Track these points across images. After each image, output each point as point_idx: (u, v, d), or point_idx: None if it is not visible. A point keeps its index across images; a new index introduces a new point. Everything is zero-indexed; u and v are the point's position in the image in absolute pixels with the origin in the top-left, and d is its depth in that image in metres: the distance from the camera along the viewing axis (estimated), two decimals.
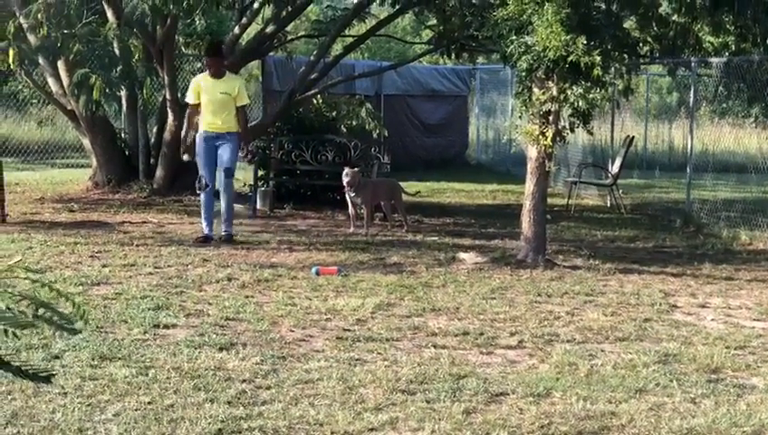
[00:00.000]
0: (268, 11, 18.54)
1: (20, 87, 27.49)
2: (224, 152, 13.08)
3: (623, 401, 6.71)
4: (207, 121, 13.14)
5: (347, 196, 14.51)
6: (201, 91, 13.19)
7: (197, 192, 13.43)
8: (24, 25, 15.69)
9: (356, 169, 14.64)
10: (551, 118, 11.47)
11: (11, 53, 15.60)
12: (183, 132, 13.89)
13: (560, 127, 11.56)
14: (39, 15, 15.37)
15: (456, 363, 7.53)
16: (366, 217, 14.41)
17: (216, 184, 13.17)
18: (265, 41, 18.97)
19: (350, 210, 14.67)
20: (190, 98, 13.41)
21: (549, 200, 12.97)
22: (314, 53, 19.08)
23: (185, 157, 13.81)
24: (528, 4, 11.06)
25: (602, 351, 8.11)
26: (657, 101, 40.65)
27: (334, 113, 18.13)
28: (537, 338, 8.43)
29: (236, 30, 18.24)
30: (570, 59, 10.69)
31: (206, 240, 12.88)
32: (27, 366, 2.30)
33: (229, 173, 13.16)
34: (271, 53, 21.72)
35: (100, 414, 6.07)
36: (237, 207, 16.15)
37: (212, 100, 13.11)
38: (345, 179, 14.22)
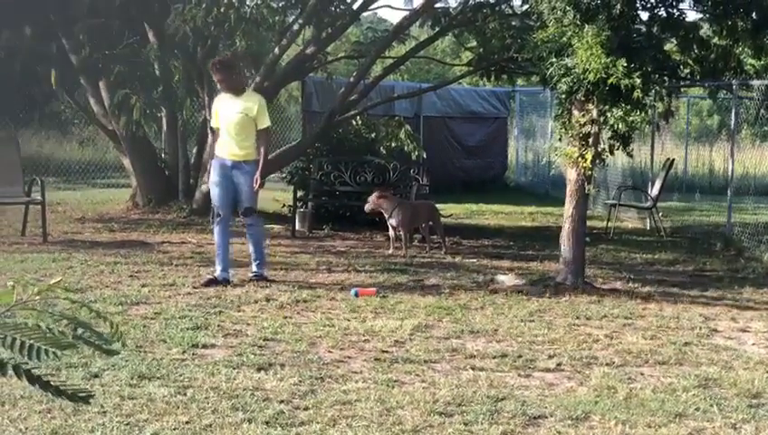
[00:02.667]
0: (308, 32, 18.62)
1: (62, 107, 27.69)
2: (242, 187, 11.45)
3: (662, 426, 6.66)
4: (223, 147, 11.57)
5: (387, 220, 14.52)
6: (216, 112, 11.74)
7: (211, 225, 12.21)
8: (67, 47, 15.84)
9: (388, 192, 14.70)
10: (590, 140, 11.43)
11: (53, 73, 15.77)
12: (209, 161, 12.06)
13: (599, 149, 11.51)
14: (81, 36, 15.52)
15: (494, 386, 7.50)
16: (404, 239, 14.35)
17: (230, 216, 11.62)
18: (305, 62, 19.03)
19: (390, 232, 14.66)
20: (213, 122, 11.89)
21: (588, 223, 12.92)
22: (354, 74, 19.12)
23: (205, 187, 12.60)
24: (568, 26, 11.05)
25: (641, 374, 8.06)
26: (698, 123, 40.49)
27: (373, 135, 18.15)
28: (576, 361, 8.38)
29: (276, 51, 18.29)
30: (610, 81, 10.65)
31: (210, 284, 11.17)
32: (66, 386, 2.31)
33: (250, 212, 11.57)
34: (311, 74, 21.78)
35: (139, 433, 6.09)
36: (277, 227, 16.23)
37: (228, 121, 11.50)
38: (367, 206, 14.52)
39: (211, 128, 12.55)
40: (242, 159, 11.44)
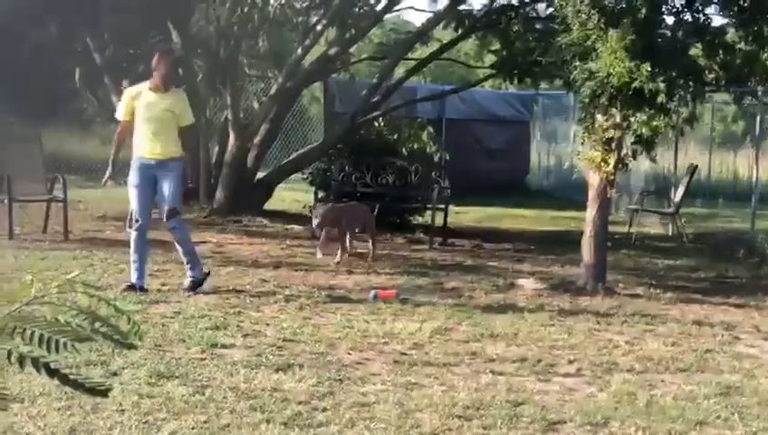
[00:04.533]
0: (332, 33, 18.62)
1: (85, 105, 27.78)
2: (165, 186, 10.75)
3: (683, 433, 6.62)
4: (144, 146, 10.79)
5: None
6: (137, 107, 10.82)
7: (127, 230, 11.18)
8: (91, 45, 15.89)
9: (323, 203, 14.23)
10: (613, 145, 11.39)
11: (77, 71, 15.81)
12: (112, 154, 11.18)
13: (622, 154, 11.48)
14: (105, 35, 15.57)
15: (513, 390, 7.46)
16: (341, 243, 13.60)
17: (149, 222, 10.91)
18: (328, 62, 19.03)
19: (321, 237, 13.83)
20: (121, 113, 11.04)
21: (610, 228, 12.86)
22: (377, 75, 19.13)
23: (108, 183, 11.35)
24: (592, 30, 11.02)
25: (662, 381, 8.01)
26: (722, 129, 40.35)
27: (395, 136, 18.13)
28: (596, 366, 8.34)
29: (300, 51, 18.30)
30: (634, 86, 10.62)
31: (131, 289, 10.45)
32: (84, 380, 2.29)
33: (174, 214, 10.85)
34: (333, 75, 21.79)
35: (157, 432, 6.08)
36: (297, 228, 16.21)
37: (153, 118, 10.75)
38: (315, 222, 13.55)
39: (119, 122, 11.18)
40: (168, 158, 10.78)
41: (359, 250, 14.28)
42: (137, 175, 10.77)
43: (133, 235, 10.76)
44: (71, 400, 6.44)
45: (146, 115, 10.76)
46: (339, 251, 13.35)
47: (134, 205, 10.87)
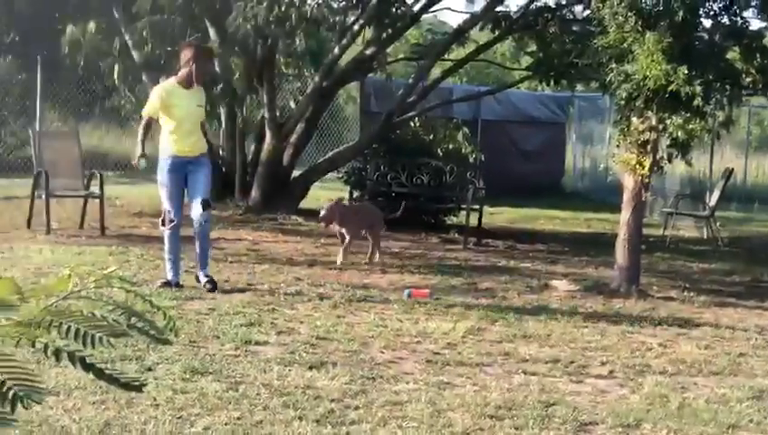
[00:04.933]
0: (368, 33, 18.64)
1: (123, 102, 27.94)
2: (198, 180, 10.76)
3: None
4: (180, 143, 10.74)
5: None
6: (169, 105, 10.68)
7: (161, 229, 10.90)
8: (129, 42, 15.98)
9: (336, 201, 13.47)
10: (649, 147, 11.37)
11: (116, 68, 15.91)
12: (140, 143, 10.97)
13: (658, 157, 11.45)
14: (144, 33, 15.65)
15: (545, 391, 7.47)
16: (345, 244, 13.12)
17: (180, 219, 10.84)
18: (365, 62, 19.06)
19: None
20: (148, 110, 10.87)
21: (644, 230, 12.83)
22: (413, 75, 19.14)
23: (142, 162, 11.06)
24: (629, 32, 11.00)
25: (695, 384, 8.00)
26: (759, 133, 40.11)
27: (431, 136, 18.15)
28: (628, 368, 8.34)
29: (336, 51, 18.33)
30: (670, 88, 10.59)
31: (166, 285, 10.53)
32: (119, 374, 2.32)
33: (208, 205, 10.86)
34: (370, 75, 21.82)
35: (191, 427, 6.12)
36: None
37: (187, 115, 10.71)
38: (321, 213, 13.09)
39: (142, 117, 10.96)
40: (200, 153, 10.85)
41: (393, 250, 14.30)
42: (169, 173, 10.73)
43: (167, 232, 10.70)
44: (105, 394, 6.49)
45: (180, 113, 10.66)
46: (341, 253, 12.95)
47: (167, 204, 10.74)
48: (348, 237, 12.95)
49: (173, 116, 10.64)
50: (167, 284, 10.54)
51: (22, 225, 14.28)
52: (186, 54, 10.77)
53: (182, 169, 10.74)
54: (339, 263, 12.76)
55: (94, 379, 2.42)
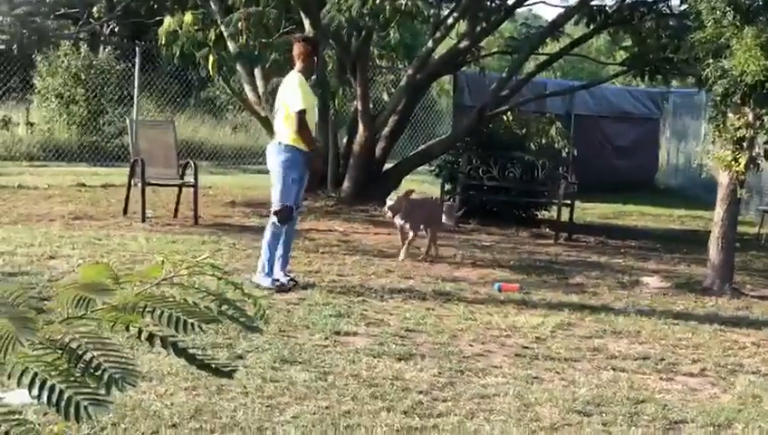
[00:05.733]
0: (463, 26, 18.62)
1: (217, 93, 28.24)
2: (306, 177, 10.64)
3: None
4: (308, 138, 10.45)
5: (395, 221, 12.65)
6: (310, 99, 10.58)
7: (277, 225, 10.37)
8: (225, 34, 16.12)
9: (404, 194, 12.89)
10: (745, 144, 11.22)
11: (211, 59, 16.06)
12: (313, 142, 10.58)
13: (754, 154, 11.30)
14: (239, 24, 15.78)
15: (634, 388, 7.43)
16: (409, 241, 12.62)
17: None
18: (458, 56, 19.04)
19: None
20: (306, 103, 10.38)
21: (739, 228, 12.67)
22: (506, 69, 19.09)
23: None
24: (727, 27, 10.86)
25: None
26: None
27: (523, 131, 18.08)
28: (720, 367, 8.25)
29: (430, 44, 18.33)
30: None
31: (284, 287, 10.17)
32: (211, 360, 2.36)
33: (301, 204, 11.00)
34: (463, 68, 21.80)
35: (279, 415, 6.18)
36: None
37: (313, 108, 10.60)
38: (388, 203, 12.50)
39: (302, 112, 10.29)
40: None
41: (484, 244, 14.28)
42: (300, 169, 10.38)
43: (285, 229, 10.38)
44: (197, 380, 6.58)
45: (310, 105, 10.48)
46: (404, 248, 12.52)
47: (291, 199, 10.34)
48: (411, 233, 12.56)
49: (308, 105, 10.43)
50: (282, 287, 10.17)
51: (118, 212, 14.49)
52: (305, 48, 10.62)
53: (307, 164, 10.50)
54: (402, 258, 12.36)
55: (186, 365, 2.46)
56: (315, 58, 10.83)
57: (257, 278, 10.21)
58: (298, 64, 10.58)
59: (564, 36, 19.61)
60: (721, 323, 9.99)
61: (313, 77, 10.90)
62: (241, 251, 12.12)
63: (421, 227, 12.79)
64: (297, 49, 10.67)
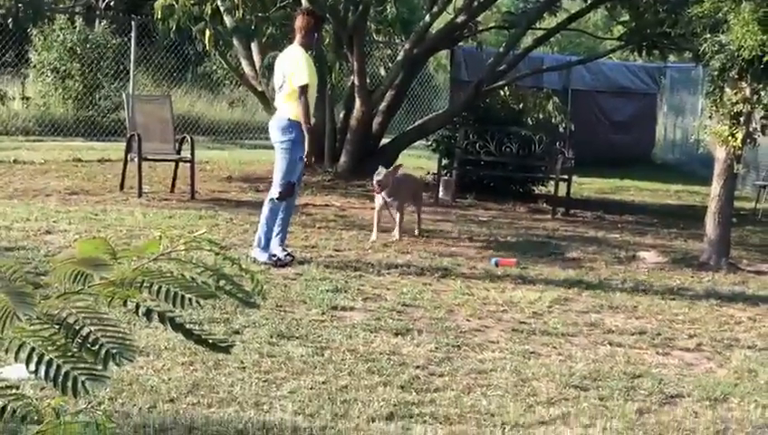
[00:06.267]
0: (460, 0, 18.57)
1: (214, 68, 28.18)
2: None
3: None
4: (308, 113, 10.24)
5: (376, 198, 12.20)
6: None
7: (276, 201, 10.24)
8: (221, 8, 16.08)
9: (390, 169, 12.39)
10: (742, 119, 11.21)
11: (207, 34, 16.02)
12: (311, 116, 10.33)
13: (751, 129, 11.29)
14: None
15: (631, 362, 7.45)
16: (399, 219, 12.21)
17: None
18: (455, 30, 19.00)
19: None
20: (311, 78, 10.23)
21: (735, 203, 12.68)
22: (504, 44, 19.05)
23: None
24: (724, 1, 10.82)
25: None
26: None
27: (521, 106, 18.06)
28: (716, 342, 8.27)
29: (427, 18, 18.30)
30: (765, 59, 10.42)
31: (281, 262, 10.13)
32: (208, 335, 2.36)
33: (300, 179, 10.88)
34: (460, 43, 21.75)
35: (276, 390, 6.19)
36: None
37: (314, 83, 10.36)
38: (376, 178, 11.96)
39: (305, 86, 10.10)
40: None
41: (481, 218, 14.27)
42: (303, 145, 10.18)
43: (284, 204, 10.26)
44: (194, 355, 6.59)
45: (313, 81, 10.29)
46: (397, 228, 12.11)
47: (294, 175, 10.23)
48: (398, 213, 12.11)
49: (312, 79, 10.24)
50: (280, 262, 10.08)
51: (115, 187, 14.48)
52: (307, 21, 10.44)
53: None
54: (397, 237, 12.00)
55: (183, 340, 2.46)
56: (316, 33, 10.72)
57: (254, 253, 10.20)
58: (298, 38, 10.43)
59: (561, 11, 19.58)
60: (717, 297, 10.01)
61: (311, 52, 10.75)
62: (238, 226, 12.12)
63: (407, 203, 12.53)
64: (300, 21, 10.49)
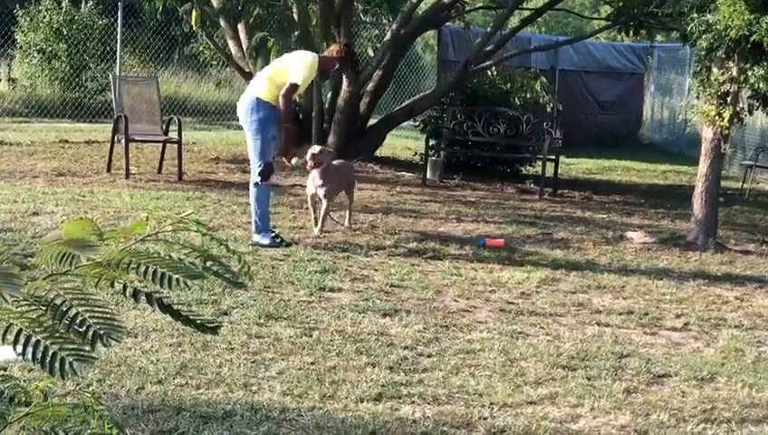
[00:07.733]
0: None
1: (201, 49, 28.10)
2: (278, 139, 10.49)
3: None
4: (289, 113, 10.43)
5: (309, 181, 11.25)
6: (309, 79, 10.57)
7: (262, 183, 10.19)
8: None
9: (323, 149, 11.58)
10: (729, 99, 11.23)
11: (194, 14, 15.98)
12: (291, 118, 10.57)
13: (738, 108, 11.31)
14: None
15: (618, 342, 7.46)
16: (325, 209, 11.13)
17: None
18: (442, 10, 18.96)
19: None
20: (305, 83, 10.35)
21: (722, 183, 12.70)
22: (491, 24, 19.02)
23: (293, 162, 10.86)
24: None
25: None
26: None
27: (508, 86, 18.05)
28: (703, 321, 8.29)
29: None
30: (752, 39, 10.43)
31: (276, 244, 10.10)
32: (196, 316, 2.36)
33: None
34: (447, 24, 21.71)
35: (265, 371, 6.19)
36: (407, 175, 16.31)
37: (303, 92, 10.96)
38: (311, 152, 11.03)
39: (295, 86, 10.07)
40: None
41: (468, 199, 14.28)
42: (277, 126, 10.22)
43: (269, 185, 10.27)
44: (182, 336, 6.59)
45: (304, 87, 10.55)
46: (320, 221, 10.99)
47: (270, 156, 10.25)
48: (325, 198, 11.00)
49: (303, 86, 10.42)
50: (275, 242, 10.12)
51: (102, 169, 14.45)
52: (340, 50, 10.71)
53: (279, 125, 10.27)
54: (317, 233, 10.91)
55: (171, 321, 2.46)
56: (338, 65, 10.76)
57: (256, 238, 10.19)
58: (324, 54, 10.67)
59: None
60: (705, 277, 10.03)
61: (324, 81, 10.74)
62: (225, 207, 12.10)
63: (336, 193, 11.54)
64: (335, 47, 10.80)
